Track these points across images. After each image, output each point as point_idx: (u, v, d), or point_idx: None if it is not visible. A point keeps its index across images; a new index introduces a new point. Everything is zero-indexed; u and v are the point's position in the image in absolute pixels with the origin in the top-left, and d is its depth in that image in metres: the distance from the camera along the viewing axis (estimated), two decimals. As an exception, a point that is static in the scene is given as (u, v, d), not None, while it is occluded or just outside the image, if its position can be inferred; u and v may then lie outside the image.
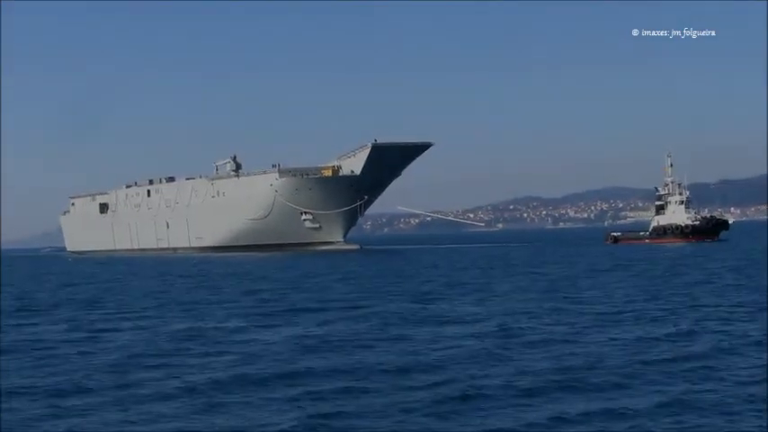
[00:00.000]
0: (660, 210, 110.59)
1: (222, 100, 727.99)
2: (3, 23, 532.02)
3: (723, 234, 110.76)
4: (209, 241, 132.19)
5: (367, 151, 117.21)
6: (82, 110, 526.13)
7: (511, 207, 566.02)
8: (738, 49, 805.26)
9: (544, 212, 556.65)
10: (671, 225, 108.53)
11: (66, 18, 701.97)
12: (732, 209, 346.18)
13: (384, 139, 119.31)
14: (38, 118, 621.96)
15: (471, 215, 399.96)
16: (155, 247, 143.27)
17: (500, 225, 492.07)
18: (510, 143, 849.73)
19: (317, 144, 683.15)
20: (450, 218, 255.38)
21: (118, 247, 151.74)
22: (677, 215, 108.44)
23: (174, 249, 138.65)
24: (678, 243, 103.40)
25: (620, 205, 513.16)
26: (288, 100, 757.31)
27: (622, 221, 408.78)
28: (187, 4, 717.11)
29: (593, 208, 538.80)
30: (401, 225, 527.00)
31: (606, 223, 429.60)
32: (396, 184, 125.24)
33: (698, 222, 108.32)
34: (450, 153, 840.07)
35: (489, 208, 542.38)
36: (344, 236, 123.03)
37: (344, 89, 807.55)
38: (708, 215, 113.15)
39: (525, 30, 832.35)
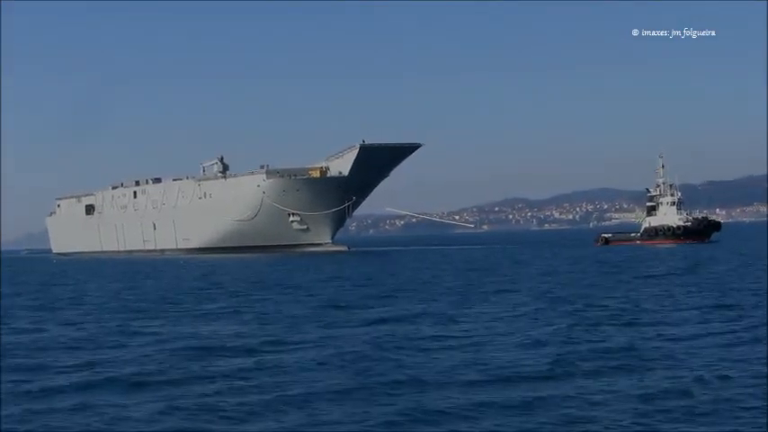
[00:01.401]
0: (651, 211, 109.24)
1: (209, 100, 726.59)
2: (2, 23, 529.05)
3: (715, 235, 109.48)
4: (195, 243, 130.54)
5: (355, 152, 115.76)
6: (79, 111, 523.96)
7: (496, 209, 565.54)
8: (738, 49, 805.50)
9: (529, 214, 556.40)
10: (662, 226, 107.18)
11: (62, 18, 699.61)
12: (717, 210, 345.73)
13: (373, 139, 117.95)
14: (28, 119, 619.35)
15: (457, 217, 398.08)
16: (141, 248, 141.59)
17: (485, 226, 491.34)
18: (499, 144, 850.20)
19: (307, 145, 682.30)
20: (435, 219, 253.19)
21: (104, 248, 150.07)
22: (669, 216, 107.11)
23: (162, 251, 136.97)
24: (669, 244, 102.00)
25: (605, 206, 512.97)
26: (277, 100, 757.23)
27: (607, 223, 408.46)
28: (175, 4, 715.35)
29: (578, 209, 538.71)
30: (386, 226, 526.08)
31: (591, 224, 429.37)
32: (380, 186, 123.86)
33: (690, 224, 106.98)
34: (436, 154, 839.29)
35: (474, 209, 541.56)
36: (332, 237, 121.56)
37: (334, 89, 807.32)
38: (700, 216, 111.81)
39: (525, 30, 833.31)
